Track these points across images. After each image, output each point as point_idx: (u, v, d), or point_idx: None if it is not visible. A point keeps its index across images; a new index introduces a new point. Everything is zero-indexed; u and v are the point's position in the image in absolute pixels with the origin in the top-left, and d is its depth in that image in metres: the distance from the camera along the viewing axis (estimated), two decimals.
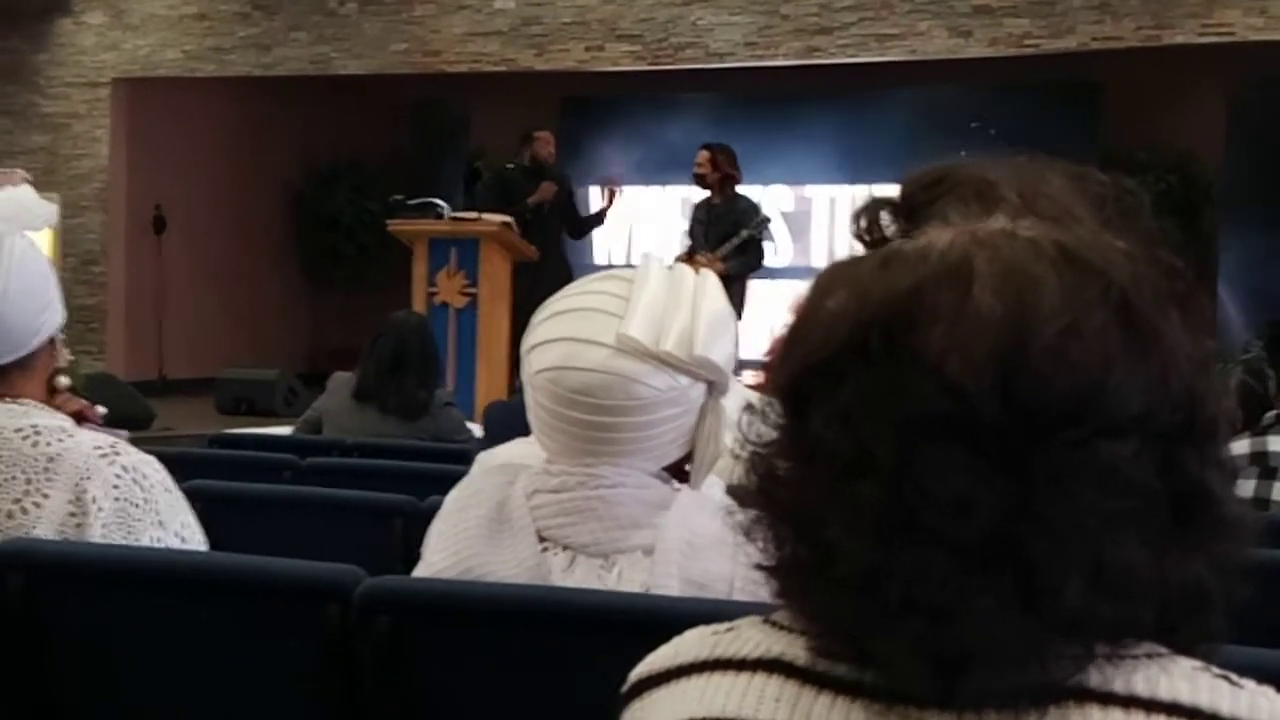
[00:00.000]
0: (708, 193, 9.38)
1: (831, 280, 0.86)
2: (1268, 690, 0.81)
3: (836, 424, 0.80)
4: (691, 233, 9.46)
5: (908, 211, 0.88)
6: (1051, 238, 0.81)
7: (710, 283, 1.79)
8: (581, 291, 1.78)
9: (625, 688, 0.95)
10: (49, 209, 2.19)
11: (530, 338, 1.77)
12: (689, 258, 8.98)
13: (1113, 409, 0.77)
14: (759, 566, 0.88)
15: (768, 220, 9.32)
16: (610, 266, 8.88)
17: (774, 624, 0.90)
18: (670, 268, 1.79)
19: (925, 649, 0.78)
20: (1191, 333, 0.82)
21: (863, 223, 0.89)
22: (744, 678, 0.87)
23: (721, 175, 9.23)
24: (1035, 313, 0.77)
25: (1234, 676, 0.81)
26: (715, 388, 1.77)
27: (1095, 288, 0.79)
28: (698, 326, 1.71)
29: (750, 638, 0.90)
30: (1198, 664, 0.82)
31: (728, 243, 9.00)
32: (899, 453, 0.78)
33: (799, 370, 0.83)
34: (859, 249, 0.88)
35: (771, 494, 0.86)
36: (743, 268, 9.06)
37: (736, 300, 8.86)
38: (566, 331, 1.73)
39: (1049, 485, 0.76)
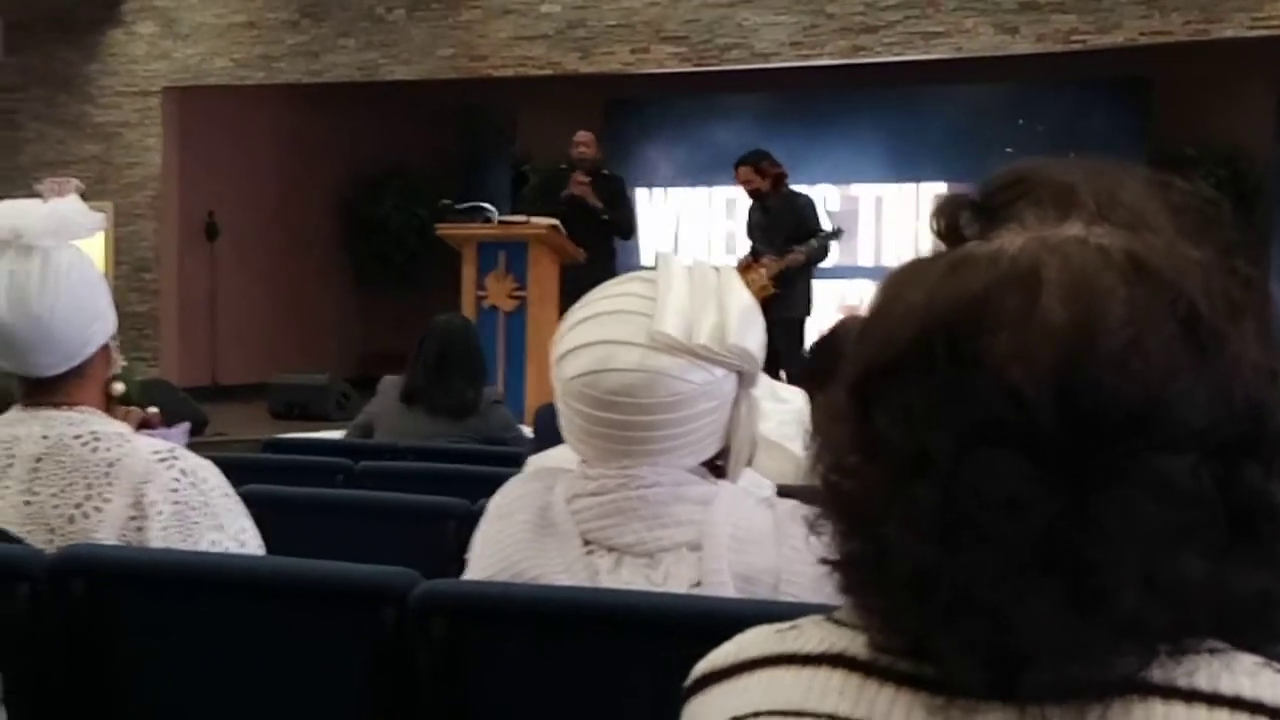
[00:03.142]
0: (754, 200, 9.37)
1: (902, 280, 0.86)
2: None
3: (899, 424, 0.81)
4: (752, 237, 9.42)
5: (986, 212, 0.88)
6: (1122, 246, 0.81)
7: (732, 277, 1.80)
8: (606, 295, 1.79)
9: (688, 683, 0.96)
10: (94, 217, 2.21)
11: (559, 345, 1.78)
12: (753, 262, 8.97)
13: (1173, 423, 0.77)
14: (823, 561, 0.88)
15: (838, 233, 9.31)
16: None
17: (836, 621, 0.91)
18: (690, 265, 1.81)
19: (980, 647, 0.79)
20: (1265, 345, 0.81)
21: (942, 223, 0.90)
22: (807, 672, 0.88)
23: (771, 179, 9.21)
24: (1100, 323, 0.77)
25: None
26: (746, 379, 1.78)
27: (1163, 299, 0.79)
28: (729, 318, 1.72)
29: (813, 635, 0.91)
30: (1259, 659, 0.82)
31: (793, 253, 8.95)
32: (956, 455, 0.78)
33: (867, 368, 0.84)
34: (940, 247, 0.89)
35: (836, 488, 0.87)
36: (808, 265, 9.07)
37: (803, 298, 8.90)
38: (598, 335, 1.73)
39: (1104, 493, 0.77)
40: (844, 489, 0.86)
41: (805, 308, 8.98)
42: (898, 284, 0.86)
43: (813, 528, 0.89)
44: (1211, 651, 0.81)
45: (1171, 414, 0.77)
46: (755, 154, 9.34)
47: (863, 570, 0.85)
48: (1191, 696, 0.79)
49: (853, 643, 0.88)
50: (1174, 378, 0.77)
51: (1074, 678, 0.79)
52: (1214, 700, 0.79)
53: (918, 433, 0.80)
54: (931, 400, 0.80)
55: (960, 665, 0.81)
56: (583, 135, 9.81)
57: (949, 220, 0.89)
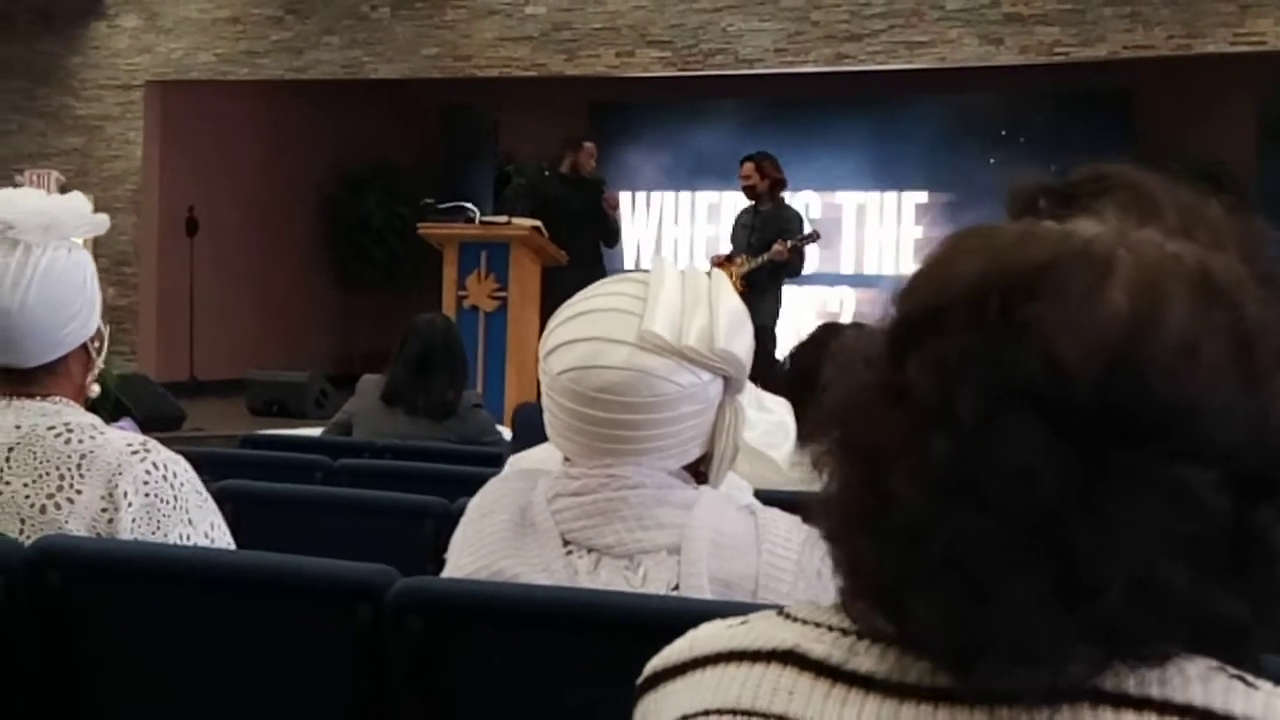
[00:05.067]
0: (748, 199, 9.43)
1: (966, 239, 0.86)
2: None
3: (931, 374, 0.80)
4: (734, 236, 9.49)
5: (1066, 200, 0.88)
6: (1198, 259, 0.81)
7: (724, 282, 1.81)
8: (598, 294, 1.80)
9: (641, 680, 0.96)
10: (90, 220, 2.18)
11: (548, 341, 1.78)
12: (725, 260, 9.03)
13: (1205, 436, 0.77)
14: (817, 499, 0.88)
15: (814, 236, 9.37)
16: (639, 271, 8.90)
17: (788, 616, 0.91)
18: (683, 269, 1.81)
19: (953, 614, 0.79)
20: None
21: (1019, 204, 0.89)
22: (758, 669, 0.88)
23: (770, 181, 9.30)
24: (1160, 321, 0.78)
25: (1249, 677, 0.81)
26: (732, 384, 1.78)
27: (1225, 318, 0.79)
28: (718, 321, 1.73)
29: (763, 630, 0.91)
30: (1213, 663, 0.81)
31: (765, 254, 9.01)
32: (982, 414, 0.78)
33: (909, 314, 0.84)
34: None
35: (849, 428, 0.86)
36: (778, 272, 9.12)
37: (772, 307, 8.93)
38: (587, 332, 1.74)
39: (1117, 485, 0.77)
40: (857, 431, 0.85)
41: (774, 316, 9.00)
42: (960, 241, 0.86)
43: (816, 465, 0.89)
44: (1166, 657, 0.81)
45: (1205, 427, 0.77)
46: (762, 154, 9.48)
47: (856, 519, 0.85)
48: (1143, 704, 0.79)
49: (804, 638, 0.88)
50: (1217, 393, 0.78)
51: (1029, 671, 0.78)
52: (1165, 708, 0.79)
53: (947, 385, 0.79)
54: (970, 355, 0.79)
55: (929, 628, 0.81)
56: (591, 146, 9.91)
57: (1026, 202, 0.89)
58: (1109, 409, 0.77)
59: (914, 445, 0.80)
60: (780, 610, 0.92)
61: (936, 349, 0.80)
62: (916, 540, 0.79)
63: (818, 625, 0.89)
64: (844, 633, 0.88)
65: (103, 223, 2.22)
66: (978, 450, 0.78)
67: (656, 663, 0.95)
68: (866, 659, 0.85)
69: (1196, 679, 0.80)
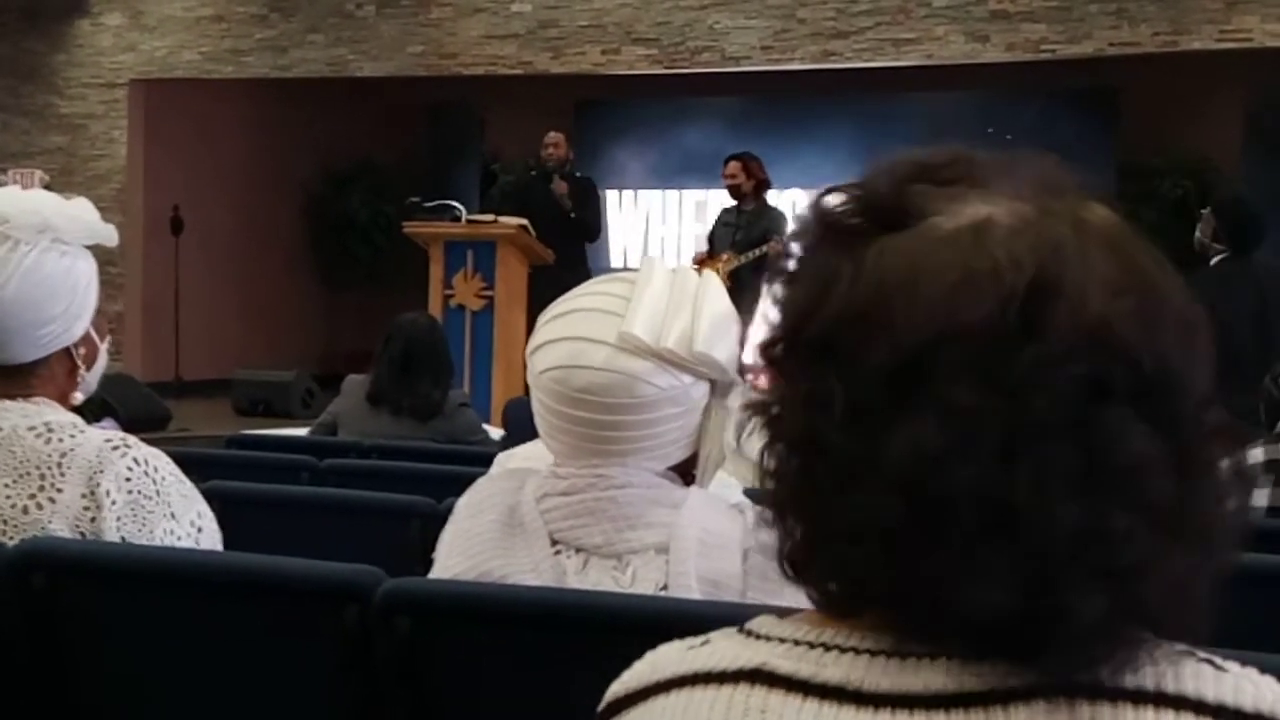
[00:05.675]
0: (731, 199, 9.45)
1: (912, 261, 0.81)
2: (1251, 673, 0.81)
3: (985, 391, 0.77)
4: (715, 235, 9.49)
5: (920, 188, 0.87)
6: (1116, 220, 0.83)
7: (713, 284, 1.81)
8: (585, 293, 1.80)
9: (602, 706, 0.93)
10: (91, 230, 2.15)
11: (535, 339, 1.79)
12: (709, 257, 9.03)
13: (1206, 391, 0.80)
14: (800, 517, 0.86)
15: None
16: (626, 270, 8.89)
17: (749, 633, 0.89)
18: (673, 270, 1.80)
19: (1114, 611, 0.77)
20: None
21: (877, 207, 0.87)
22: (726, 690, 0.86)
23: (756, 181, 9.33)
24: (1156, 290, 0.80)
25: (1218, 660, 0.81)
26: (718, 387, 1.78)
27: (1172, 284, 0.81)
28: (699, 325, 1.73)
29: (727, 650, 0.89)
30: (1182, 647, 0.81)
31: (757, 249, 9.04)
32: (1073, 416, 0.76)
33: (907, 354, 0.79)
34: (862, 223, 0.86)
35: (897, 473, 0.79)
36: (762, 269, 9.14)
37: (750, 304, 8.92)
38: (570, 332, 1.74)
39: (1199, 448, 0.78)
40: (905, 467, 0.78)
41: (750, 314, 8.98)
42: (904, 265, 0.81)
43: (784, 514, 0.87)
44: (1135, 642, 0.80)
45: (1202, 383, 0.80)
46: (748, 154, 9.50)
47: (926, 536, 0.79)
48: (1117, 695, 0.79)
49: (770, 656, 0.86)
50: (1194, 353, 0.80)
51: (1086, 662, 0.78)
52: (1137, 697, 0.79)
53: (1008, 398, 0.77)
54: (1021, 365, 0.77)
55: (1012, 623, 0.78)
56: (553, 136, 9.83)
57: (885, 198, 0.87)
58: (1159, 383, 0.78)
59: (1015, 460, 0.77)
60: (741, 628, 0.90)
61: (972, 369, 0.77)
62: (1074, 544, 0.77)
63: (782, 641, 0.87)
64: (810, 645, 0.86)
65: (108, 234, 2.19)
66: (1092, 446, 0.76)
67: (618, 688, 0.93)
68: (835, 670, 0.84)
69: (1167, 665, 0.80)
